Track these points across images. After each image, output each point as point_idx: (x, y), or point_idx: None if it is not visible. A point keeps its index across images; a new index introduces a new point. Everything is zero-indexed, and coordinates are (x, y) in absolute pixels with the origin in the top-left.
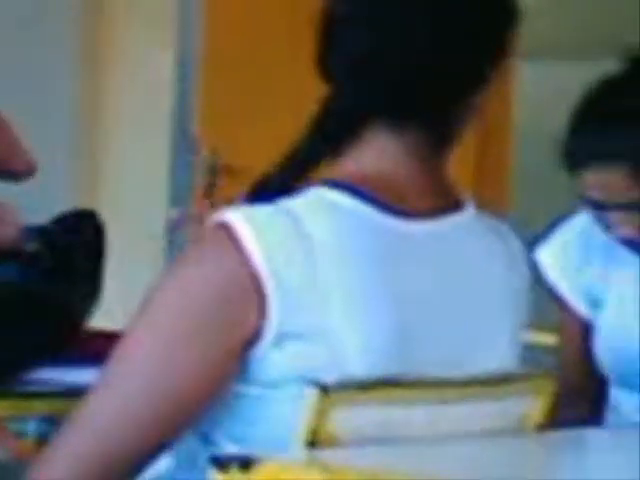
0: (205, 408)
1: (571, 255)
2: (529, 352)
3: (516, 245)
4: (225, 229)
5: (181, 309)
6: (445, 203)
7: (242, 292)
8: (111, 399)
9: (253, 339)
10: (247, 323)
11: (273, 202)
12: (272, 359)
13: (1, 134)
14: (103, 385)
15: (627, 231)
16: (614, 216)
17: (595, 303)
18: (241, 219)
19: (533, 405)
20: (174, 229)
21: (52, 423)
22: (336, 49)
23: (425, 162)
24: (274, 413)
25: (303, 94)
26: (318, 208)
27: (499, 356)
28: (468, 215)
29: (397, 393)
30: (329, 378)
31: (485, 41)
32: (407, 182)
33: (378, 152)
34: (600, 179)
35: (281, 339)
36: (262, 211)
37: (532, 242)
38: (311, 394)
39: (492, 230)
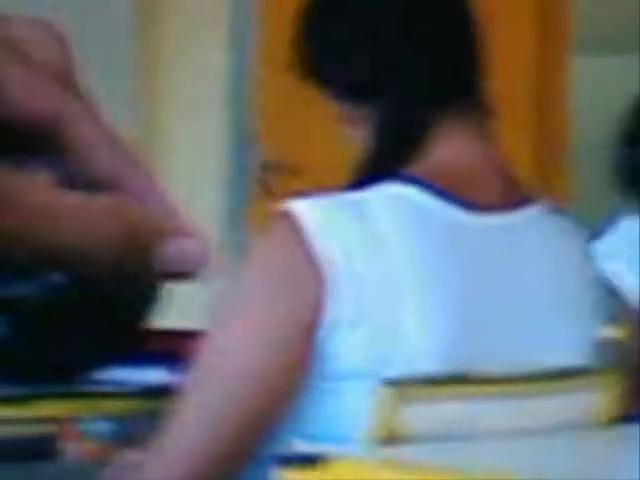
0: (290, 399)
1: (630, 248)
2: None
3: (584, 242)
4: (289, 218)
5: (253, 299)
6: (514, 197)
7: (303, 279)
8: (212, 395)
9: (317, 328)
10: (310, 313)
11: (342, 194)
12: (337, 351)
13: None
14: (200, 382)
15: None
16: None
17: None
18: (305, 208)
19: (603, 399)
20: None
21: (122, 424)
22: (360, 61)
23: (488, 150)
24: (343, 408)
25: None
26: (385, 200)
27: (566, 352)
28: (538, 210)
29: (466, 389)
30: (397, 373)
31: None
32: (473, 173)
33: (443, 144)
34: None
35: (346, 330)
36: (327, 202)
37: (591, 236)
38: (380, 390)
39: (561, 226)
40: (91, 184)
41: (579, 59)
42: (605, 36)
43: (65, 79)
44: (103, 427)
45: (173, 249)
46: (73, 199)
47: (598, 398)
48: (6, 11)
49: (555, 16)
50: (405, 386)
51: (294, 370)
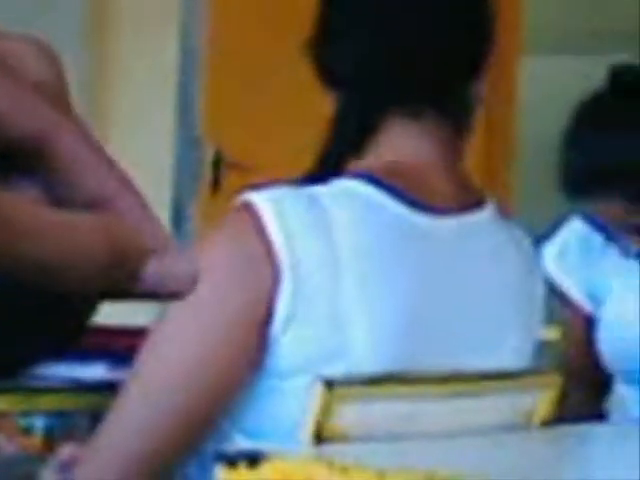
0: (235, 392)
1: (573, 252)
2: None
3: (530, 247)
4: (248, 209)
5: (206, 289)
6: (466, 199)
7: (259, 270)
8: (151, 390)
9: (267, 319)
10: (262, 301)
11: (298, 188)
12: (281, 345)
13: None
14: (139, 379)
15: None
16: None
17: (597, 299)
18: (264, 200)
19: (539, 400)
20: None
21: (60, 418)
22: (338, 51)
23: (444, 153)
24: (283, 406)
25: (309, 91)
26: (339, 196)
27: (506, 355)
28: (488, 214)
29: (404, 388)
30: (335, 371)
31: (477, 30)
32: (428, 173)
33: (397, 143)
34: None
35: (290, 322)
36: (287, 194)
37: (536, 240)
38: (317, 389)
39: (509, 231)
40: (80, 203)
41: (530, 59)
42: (557, 37)
43: (56, 97)
44: (40, 422)
45: (161, 268)
46: (59, 216)
47: (537, 399)
48: None
49: (506, 16)
50: (342, 385)
51: (241, 365)
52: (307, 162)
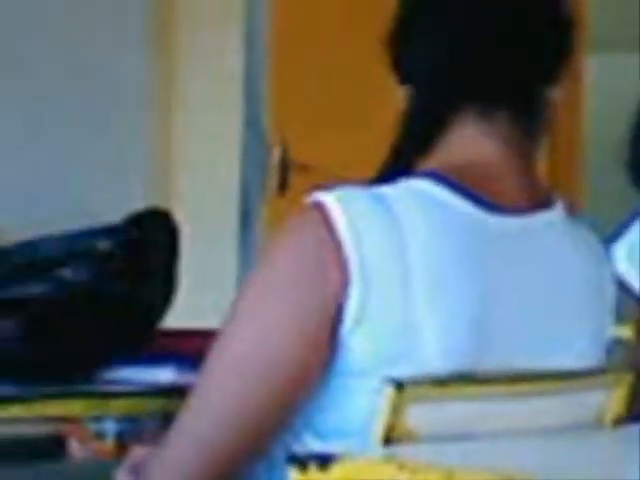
0: (308, 391)
1: None
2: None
3: (599, 246)
4: (319, 209)
5: (277, 288)
6: (536, 199)
7: (330, 270)
8: (220, 393)
9: (337, 319)
10: (333, 301)
11: (367, 187)
12: (350, 345)
13: None
14: (209, 380)
15: None
16: None
17: None
18: (335, 200)
19: (611, 399)
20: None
21: (131, 423)
22: (416, 50)
23: (515, 153)
24: (352, 406)
25: (377, 90)
26: (408, 195)
27: (576, 354)
28: (557, 214)
29: (473, 389)
30: (404, 371)
31: (556, 33)
32: (497, 173)
33: (468, 143)
34: None
35: (360, 322)
36: (356, 194)
37: (606, 239)
38: (386, 390)
39: (578, 230)
40: None
41: (594, 58)
42: (623, 34)
43: None
44: (111, 426)
45: None
46: None
47: (607, 398)
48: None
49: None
50: (412, 386)
51: (312, 366)
52: (374, 163)
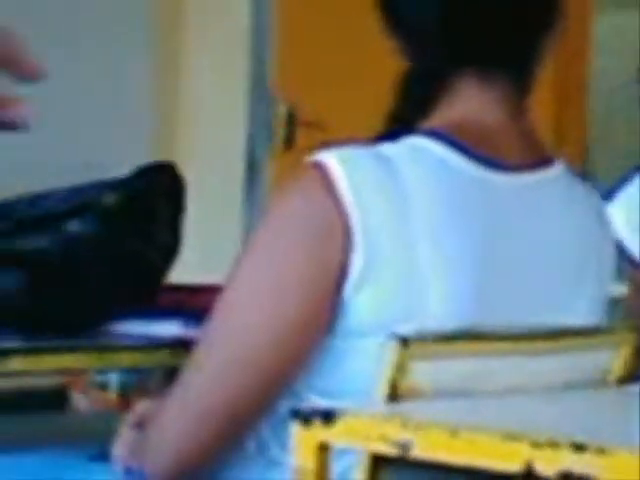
0: (311, 351)
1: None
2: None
3: (600, 203)
4: (319, 169)
5: (278, 247)
6: (535, 157)
7: (331, 230)
8: (223, 351)
9: (340, 280)
10: (335, 261)
11: (368, 146)
12: (355, 305)
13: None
14: (213, 338)
15: None
16: None
17: None
18: (336, 160)
19: (615, 358)
20: None
21: (135, 375)
22: (414, 9)
23: (513, 112)
24: (357, 365)
25: (383, 48)
26: (410, 154)
27: (579, 311)
28: (557, 171)
29: (478, 345)
30: (409, 329)
31: None
32: (498, 131)
33: (468, 103)
34: None
35: (364, 282)
36: (356, 154)
37: (605, 196)
38: (390, 346)
39: (579, 188)
40: None
41: (601, 15)
42: None
43: None
44: (115, 378)
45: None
46: None
47: (611, 357)
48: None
49: None
50: (416, 342)
51: (315, 325)
52: (379, 119)
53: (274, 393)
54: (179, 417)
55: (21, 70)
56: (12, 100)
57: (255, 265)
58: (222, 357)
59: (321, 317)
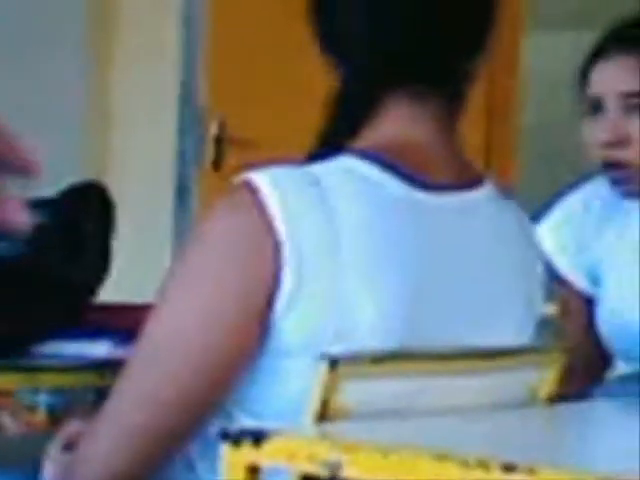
0: (240, 373)
1: (570, 230)
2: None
3: (528, 224)
4: (249, 188)
5: (207, 266)
6: (465, 177)
7: (261, 249)
8: (156, 371)
9: (270, 299)
10: (265, 281)
11: (298, 167)
12: (285, 325)
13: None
14: (141, 359)
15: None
16: (609, 117)
17: (596, 278)
18: (266, 180)
19: (543, 377)
20: None
21: (64, 395)
22: (343, 29)
23: (443, 132)
24: (287, 385)
25: (312, 66)
26: (341, 174)
27: (509, 332)
28: (486, 192)
29: (407, 366)
30: (339, 349)
31: (479, 10)
32: (428, 151)
33: (398, 123)
34: (608, 70)
35: (294, 302)
36: (286, 174)
37: (533, 217)
38: (320, 367)
39: (508, 209)
40: None
41: (534, 35)
42: (557, 12)
43: None
44: (44, 399)
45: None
46: None
47: (540, 376)
48: None
49: None
50: (347, 363)
51: (244, 347)
52: (310, 139)
53: (201, 416)
54: (107, 439)
55: (13, 166)
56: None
57: (184, 285)
58: (149, 386)
59: (252, 337)
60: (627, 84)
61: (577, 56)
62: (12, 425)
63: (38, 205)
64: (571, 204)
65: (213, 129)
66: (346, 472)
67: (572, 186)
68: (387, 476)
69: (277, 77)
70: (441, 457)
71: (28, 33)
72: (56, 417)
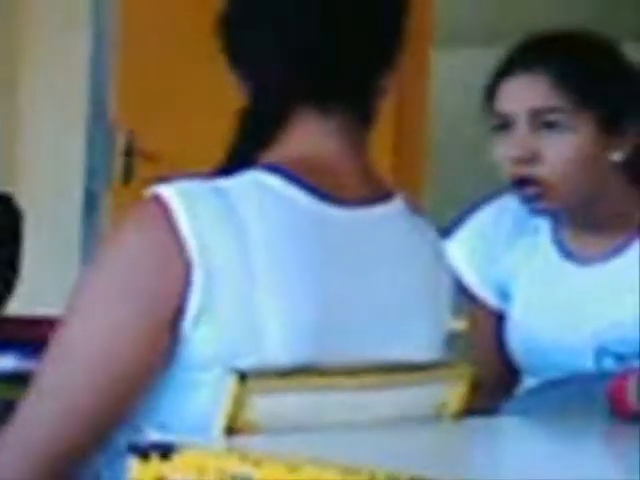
0: (146, 385)
1: (481, 245)
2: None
3: (436, 239)
4: (157, 202)
5: (114, 282)
6: (374, 191)
7: (169, 265)
8: (56, 389)
9: (178, 315)
10: (172, 296)
11: (207, 181)
12: (193, 339)
13: None
14: (46, 376)
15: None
16: (519, 134)
17: (505, 293)
18: (174, 193)
19: (451, 393)
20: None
21: None
22: (249, 45)
23: (352, 146)
24: (195, 399)
25: (221, 80)
26: (248, 188)
27: (418, 346)
28: (396, 206)
29: (316, 380)
30: (248, 363)
31: (388, 26)
32: (337, 166)
33: (306, 138)
34: (518, 86)
35: (202, 316)
36: (195, 187)
37: (443, 232)
38: (229, 380)
39: (416, 223)
40: None
41: (441, 52)
42: (466, 30)
43: None
44: None
45: None
46: None
47: (448, 391)
48: None
49: (417, 10)
50: (255, 377)
51: (151, 362)
52: (220, 153)
53: (108, 431)
54: (14, 454)
55: None
56: None
57: (92, 305)
58: (52, 398)
59: (158, 349)
60: (536, 100)
61: (487, 72)
62: None
63: None
64: (482, 219)
65: (122, 143)
66: None
67: (483, 202)
68: None
69: (187, 91)
70: (350, 471)
71: None
72: None
